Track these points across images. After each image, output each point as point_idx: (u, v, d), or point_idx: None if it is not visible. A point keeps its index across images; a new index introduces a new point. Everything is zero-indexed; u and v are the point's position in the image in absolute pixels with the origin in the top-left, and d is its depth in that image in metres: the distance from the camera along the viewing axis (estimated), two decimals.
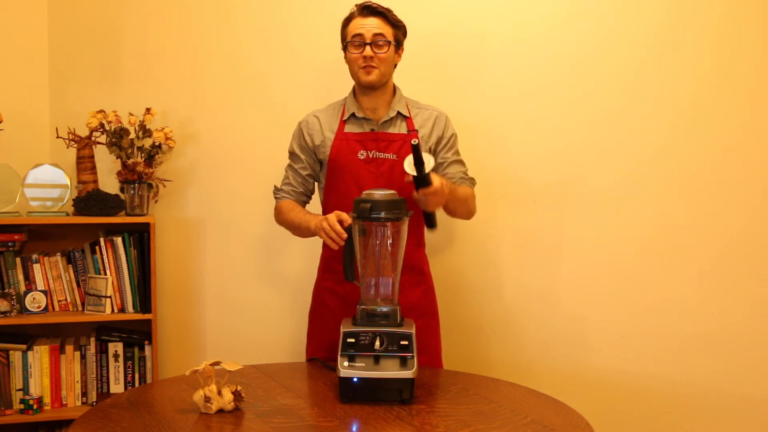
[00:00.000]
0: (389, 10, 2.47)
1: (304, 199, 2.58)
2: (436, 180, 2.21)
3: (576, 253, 2.97)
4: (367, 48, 2.41)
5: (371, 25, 2.42)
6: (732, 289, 2.92)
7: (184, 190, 3.02)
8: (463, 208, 2.54)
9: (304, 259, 2.99)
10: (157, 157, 2.87)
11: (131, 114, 2.84)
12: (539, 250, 2.99)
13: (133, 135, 2.84)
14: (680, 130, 2.92)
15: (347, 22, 2.48)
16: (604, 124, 2.94)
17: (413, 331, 2.02)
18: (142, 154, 2.84)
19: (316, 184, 2.60)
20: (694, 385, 2.93)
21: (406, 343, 1.98)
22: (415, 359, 1.97)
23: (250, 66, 3.01)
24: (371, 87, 2.45)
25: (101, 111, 2.83)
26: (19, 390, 2.75)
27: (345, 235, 2.17)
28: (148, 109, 2.85)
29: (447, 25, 2.97)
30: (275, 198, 2.58)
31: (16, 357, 2.75)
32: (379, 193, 2.09)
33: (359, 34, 2.42)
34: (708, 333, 2.92)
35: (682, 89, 2.91)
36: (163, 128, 2.86)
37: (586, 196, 2.95)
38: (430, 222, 2.40)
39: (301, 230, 2.46)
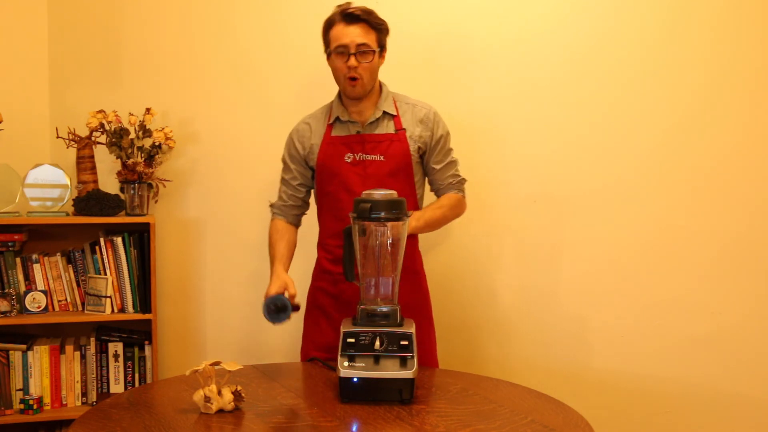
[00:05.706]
0: (371, 12, 2.38)
1: (296, 212, 2.55)
2: None
3: (576, 253, 2.97)
4: (352, 58, 2.35)
5: (354, 34, 2.35)
6: (732, 289, 2.92)
7: (184, 190, 3.02)
8: (443, 223, 2.53)
9: (303, 259, 2.99)
10: (157, 157, 2.87)
11: (131, 114, 2.84)
12: (539, 250, 2.99)
13: (133, 135, 2.84)
14: (680, 130, 2.92)
15: (329, 26, 2.40)
16: (604, 123, 2.94)
17: (413, 330, 2.02)
18: (142, 154, 2.84)
19: (313, 192, 2.58)
20: (694, 385, 2.93)
21: (406, 343, 1.98)
22: (416, 359, 1.97)
23: (250, 66, 3.01)
24: (357, 98, 2.43)
25: (101, 111, 2.83)
26: (19, 390, 2.75)
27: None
28: (148, 109, 2.85)
29: (445, 23, 2.97)
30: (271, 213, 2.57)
31: (16, 357, 2.75)
32: (378, 193, 2.08)
33: (343, 45, 2.35)
34: (708, 333, 2.92)
35: (682, 89, 2.92)
36: (163, 128, 2.85)
37: (586, 196, 2.95)
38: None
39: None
